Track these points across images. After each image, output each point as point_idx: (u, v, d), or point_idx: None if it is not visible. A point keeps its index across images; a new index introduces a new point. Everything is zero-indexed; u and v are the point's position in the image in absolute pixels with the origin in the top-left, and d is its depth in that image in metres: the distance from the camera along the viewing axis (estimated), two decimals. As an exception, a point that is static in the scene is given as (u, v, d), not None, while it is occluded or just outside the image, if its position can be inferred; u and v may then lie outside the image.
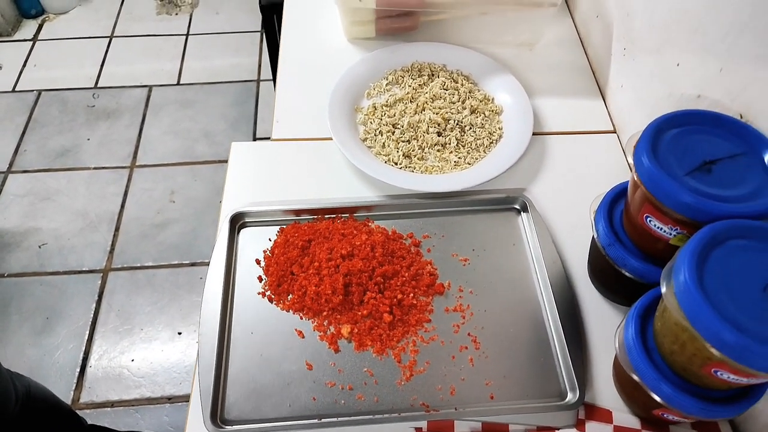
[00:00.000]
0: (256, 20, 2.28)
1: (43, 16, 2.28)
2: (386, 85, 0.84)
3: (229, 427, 0.56)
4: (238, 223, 0.70)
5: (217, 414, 0.56)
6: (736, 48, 0.56)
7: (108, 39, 2.21)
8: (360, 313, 0.63)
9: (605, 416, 0.57)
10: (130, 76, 2.09)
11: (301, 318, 0.64)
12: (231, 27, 2.27)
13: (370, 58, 0.85)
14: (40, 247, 1.65)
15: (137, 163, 1.84)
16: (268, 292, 0.65)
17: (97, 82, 2.06)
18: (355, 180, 0.75)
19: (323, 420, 0.57)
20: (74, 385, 1.41)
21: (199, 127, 1.94)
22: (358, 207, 0.72)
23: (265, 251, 0.68)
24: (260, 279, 0.66)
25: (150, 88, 2.05)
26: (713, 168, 0.50)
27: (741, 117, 0.55)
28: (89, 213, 1.72)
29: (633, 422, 0.57)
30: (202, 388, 0.57)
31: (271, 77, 1.93)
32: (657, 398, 0.49)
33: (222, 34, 2.25)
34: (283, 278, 0.66)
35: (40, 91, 2.03)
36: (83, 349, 1.47)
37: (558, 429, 0.56)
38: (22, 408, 0.88)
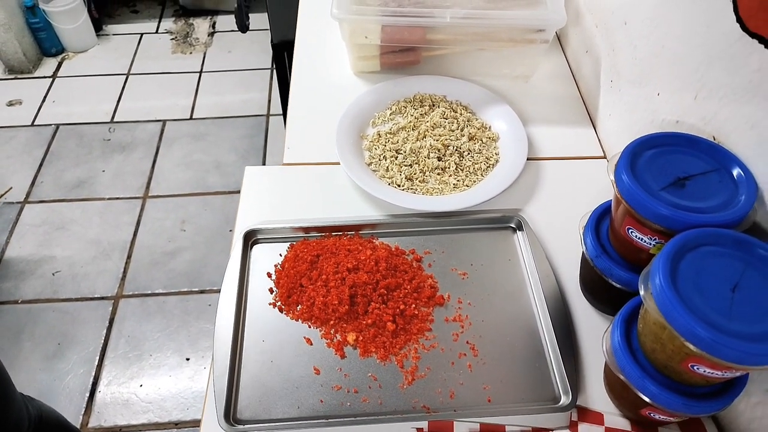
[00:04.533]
0: (266, 59, 2.38)
1: (63, 55, 2.39)
2: (390, 114, 0.90)
3: (241, 427, 0.59)
4: (251, 239, 0.75)
5: (230, 414, 0.60)
6: (708, 78, 0.62)
7: (125, 76, 2.32)
8: (365, 322, 0.67)
9: (597, 418, 0.61)
10: (145, 111, 2.18)
11: (310, 327, 0.68)
12: (242, 65, 2.37)
13: (375, 90, 0.91)
14: (53, 274, 1.70)
15: (150, 194, 1.90)
16: (278, 303, 0.70)
17: (113, 117, 2.15)
18: (361, 201, 0.80)
19: (330, 420, 0.60)
20: (83, 409, 1.44)
21: (211, 159, 2.01)
22: (363, 225, 0.76)
23: (276, 265, 0.73)
24: (271, 291, 0.71)
25: (164, 122, 2.13)
26: (687, 183, 0.55)
27: (714, 139, 0.61)
28: (102, 241, 1.77)
29: (623, 424, 0.60)
30: (217, 390, 0.61)
31: (281, 112, 2.01)
32: (643, 396, 0.53)
33: (234, 71, 2.35)
34: (292, 290, 0.70)
35: (58, 126, 2.12)
36: (93, 374, 1.50)
37: (552, 430, 0.60)
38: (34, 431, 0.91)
